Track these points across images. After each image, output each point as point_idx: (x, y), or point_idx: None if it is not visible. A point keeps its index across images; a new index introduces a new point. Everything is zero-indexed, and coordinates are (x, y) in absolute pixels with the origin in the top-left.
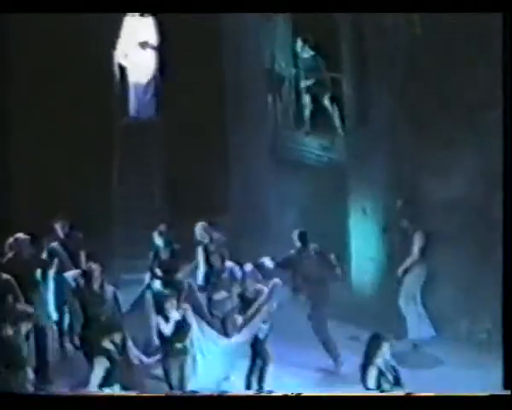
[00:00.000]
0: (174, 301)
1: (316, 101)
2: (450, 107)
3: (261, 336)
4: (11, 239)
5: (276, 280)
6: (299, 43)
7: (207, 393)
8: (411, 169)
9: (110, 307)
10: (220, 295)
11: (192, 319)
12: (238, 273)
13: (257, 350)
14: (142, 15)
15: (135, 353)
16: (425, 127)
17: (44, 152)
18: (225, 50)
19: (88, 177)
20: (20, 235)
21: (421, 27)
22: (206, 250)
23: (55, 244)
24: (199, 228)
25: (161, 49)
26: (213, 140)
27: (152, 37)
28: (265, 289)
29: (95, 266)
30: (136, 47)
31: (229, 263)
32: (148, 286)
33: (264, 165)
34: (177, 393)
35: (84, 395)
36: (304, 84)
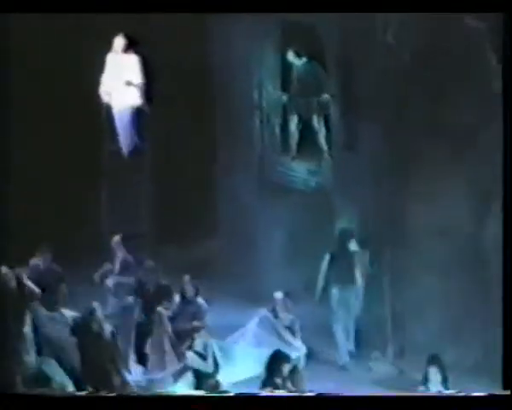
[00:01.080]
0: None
1: (302, 125)
2: (439, 132)
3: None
4: None
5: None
6: (291, 53)
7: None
8: (398, 194)
9: (109, 347)
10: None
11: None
12: (205, 309)
13: None
14: (125, 52)
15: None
16: (412, 152)
17: (28, 181)
18: (213, 77)
19: (74, 206)
20: (3, 268)
21: (409, 51)
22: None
23: (35, 278)
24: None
25: (147, 80)
26: (200, 166)
27: (137, 72)
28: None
29: (96, 304)
30: (122, 81)
31: (200, 299)
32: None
33: (251, 189)
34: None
35: (84, 395)
36: (291, 106)
